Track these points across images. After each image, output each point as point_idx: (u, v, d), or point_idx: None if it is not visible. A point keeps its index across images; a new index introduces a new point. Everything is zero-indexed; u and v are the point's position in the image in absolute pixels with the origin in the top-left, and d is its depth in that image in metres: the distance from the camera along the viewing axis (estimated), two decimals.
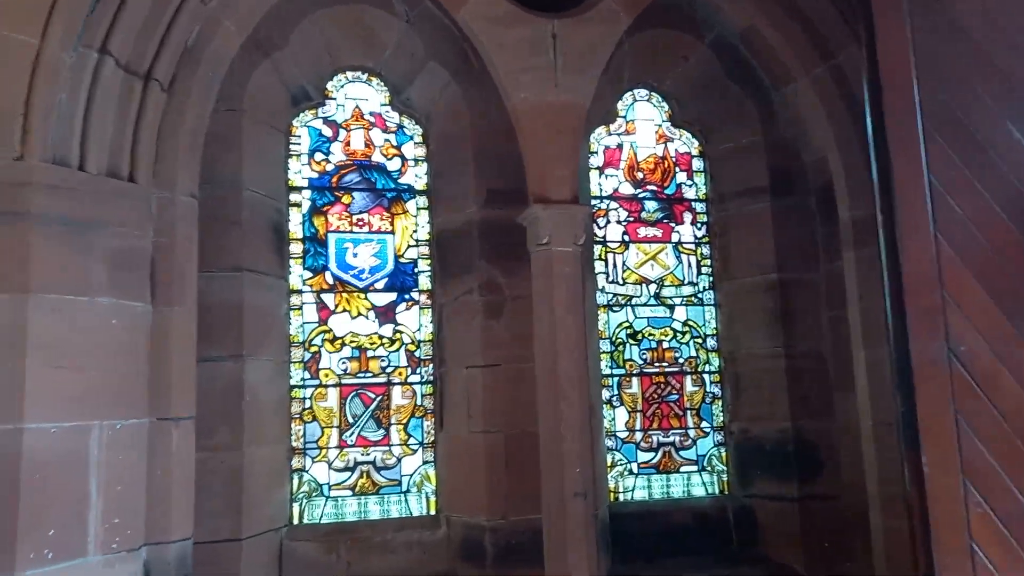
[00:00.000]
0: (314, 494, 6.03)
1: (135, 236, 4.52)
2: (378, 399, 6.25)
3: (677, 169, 7.16)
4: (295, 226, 6.29)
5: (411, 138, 6.65)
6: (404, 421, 6.28)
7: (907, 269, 3.60)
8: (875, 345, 5.79)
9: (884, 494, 5.73)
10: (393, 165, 6.59)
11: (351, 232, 6.41)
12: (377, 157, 6.56)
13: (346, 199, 6.44)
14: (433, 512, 6.17)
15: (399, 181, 6.58)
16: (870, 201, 6.06)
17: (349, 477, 6.11)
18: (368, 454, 6.18)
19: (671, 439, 6.76)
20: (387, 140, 6.60)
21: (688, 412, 6.83)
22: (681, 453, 6.77)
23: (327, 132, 6.48)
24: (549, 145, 5.38)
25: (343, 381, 6.20)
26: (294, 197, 6.32)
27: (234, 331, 5.57)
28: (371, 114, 6.59)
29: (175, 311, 4.69)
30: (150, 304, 4.56)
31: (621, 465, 6.64)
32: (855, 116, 6.00)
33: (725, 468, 6.81)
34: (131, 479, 4.26)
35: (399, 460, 6.23)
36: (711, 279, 7.03)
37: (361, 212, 6.46)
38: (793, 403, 6.54)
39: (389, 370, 6.30)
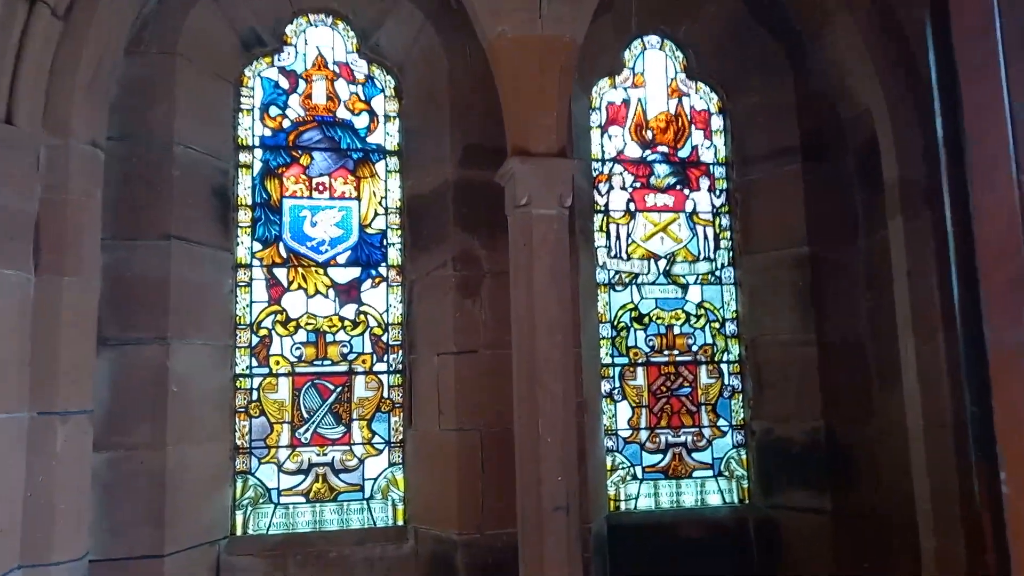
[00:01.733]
0: (261, 500, 5.19)
1: (13, 190, 3.68)
2: (338, 391, 5.39)
3: (692, 128, 6.20)
4: (244, 190, 5.43)
5: (382, 91, 5.76)
6: (368, 416, 5.41)
7: (981, 231, 2.66)
8: (926, 332, 4.86)
9: (938, 511, 4.79)
10: (361, 122, 5.70)
11: (310, 198, 5.54)
12: (342, 112, 5.68)
13: (305, 160, 5.57)
14: (400, 523, 5.31)
15: (367, 140, 5.70)
16: (921, 160, 5.14)
17: (302, 481, 5.26)
18: (325, 454, 5.32)
19: (682, 439, 5.83)
20: (354, 93, 5.72)
21: (702, 408, 5.89)
22: (694, 455, 5.84)
23: (284, 83, 5.62)
24: (531, 87, 4.46)
25: (297, 370, 5.35)
26: (244, 157, 5.46)
27: (158, 310, 4.74)
28: (336, 63, 5.72)
29: (67, 283, 3.88)
30: (31, 273, 3.73)
31: (623, 469, 5.72)
32: (905, 61, 5.02)
33: (745, 474, 5.86)
34: None
35: (362, 462, 5.37)
36: (731, 254, 6.07)
37: (322, 175, 5.59)
38: (825, 399, 5.59)
39: (351, 357, 5.44)
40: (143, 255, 4.76)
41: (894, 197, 5.04)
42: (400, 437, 5.42)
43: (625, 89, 6.15)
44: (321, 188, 5.57)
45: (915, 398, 4.93)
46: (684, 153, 6.16)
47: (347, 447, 5.35)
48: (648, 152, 6.11)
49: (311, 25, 5.70)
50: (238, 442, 5.20)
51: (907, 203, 4.94)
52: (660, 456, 5.79)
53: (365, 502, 5.31)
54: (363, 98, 5.72)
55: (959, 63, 2.82)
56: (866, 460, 5.48)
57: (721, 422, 5.92)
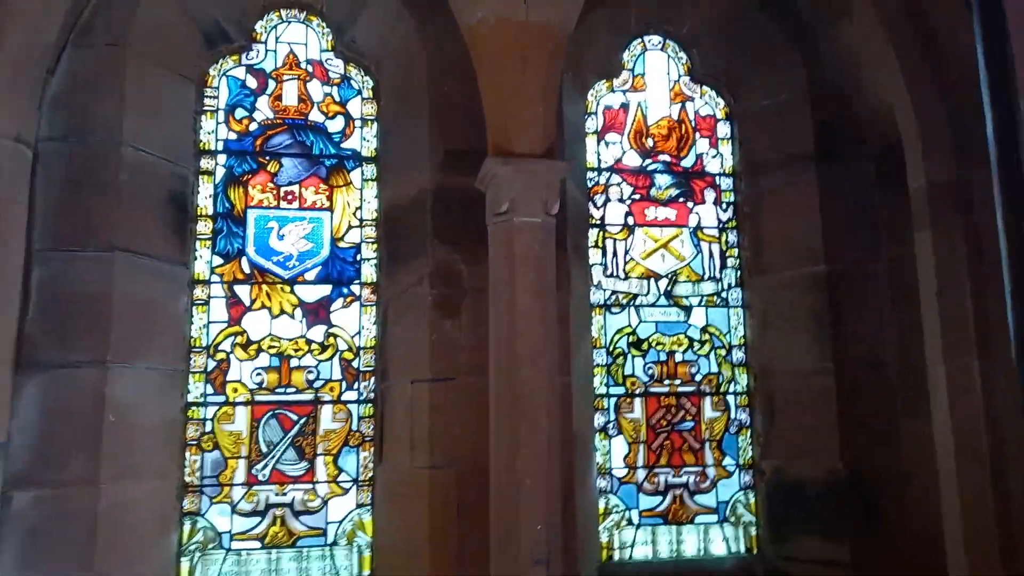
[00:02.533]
0: (211, 546, 4.63)
1: None
2: (302, 422, 4.85)
3: (697, 135, 5.71)
4: (204, 199, 4.95)
5: (359, 92, 5.29)
6: (334, 451, 4.87)
7: None
8: (960, 354, 4.37)
9: (974, 563, 4.16)
10: (335, 126, 5.23)
11: (277, 208, 5.05)
12: (315, 115, 5.21)
13: (273, 167, 5.09)
14: (366, 573, 4.73)
15: (342, 146, 5.22)
16: (953, 161, 4.64)
17: (258, 524, 4.71)
18: (285, 494, 4.77)
19: (684, 480, 5.26)
20: (328, 95, 5.25)
21: (707, 445, 5.34)
22: (697, 498, 5.27)
23: (252, 83, 5.16)
24: (514, 79, 4.00)
25: (257, 398, 4.82)
26: (205, 163, 4.98)
27: (98, 330, 4.23)
28: (309, 62, 5.26)
29: None
30: None
31: (617, 513, 5.15)
32: (931, 51, 4.53)
33: (754, 519, 5.29)
34: None
35: (325, 503, 4.81)
36: (739, 273, 5.55)
37: (291, 183, 5.10)
38: (845, 434, 5.06)
39: (318, 385, 4.91)
40: (83, 268, 4.28)
41: (921, 204, 4.54)
42: (370, 475, 4.86)
43: (624, 93, 5.67)
44: (290, 198, 5.08)
45: (947, 433, 4.39)
46: (688, 162, 5.66)
47: (310, 486, 4.80)
48: (649, 161, 5.61)
49: (283, 21, 5.25)
50: (187, 479, 4.65)
51: (936, 210, 4.44)
52: (659, 499, 5.21)
53: (328, 548, 4.75)
54: (338, 100, 5.25)
55: (1011, 22, 2.33)
56: (891, 504, 4.92)
57: (727, 461, 5.33)
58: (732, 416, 5.39)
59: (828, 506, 4.99)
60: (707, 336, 5.46)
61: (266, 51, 5.19)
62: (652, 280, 5.46)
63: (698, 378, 5.40)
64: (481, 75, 4.08)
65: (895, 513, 4.88)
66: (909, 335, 4.82)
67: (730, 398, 5.41)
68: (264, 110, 5.14)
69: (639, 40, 5.71)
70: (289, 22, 5.26)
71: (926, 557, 4.52)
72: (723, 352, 5.46)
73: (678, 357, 5.39)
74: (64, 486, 4.07)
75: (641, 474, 5.23)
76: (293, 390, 4.87)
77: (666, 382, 5.35)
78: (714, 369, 5.43)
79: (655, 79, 5.74)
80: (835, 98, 5.36)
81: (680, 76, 5.77)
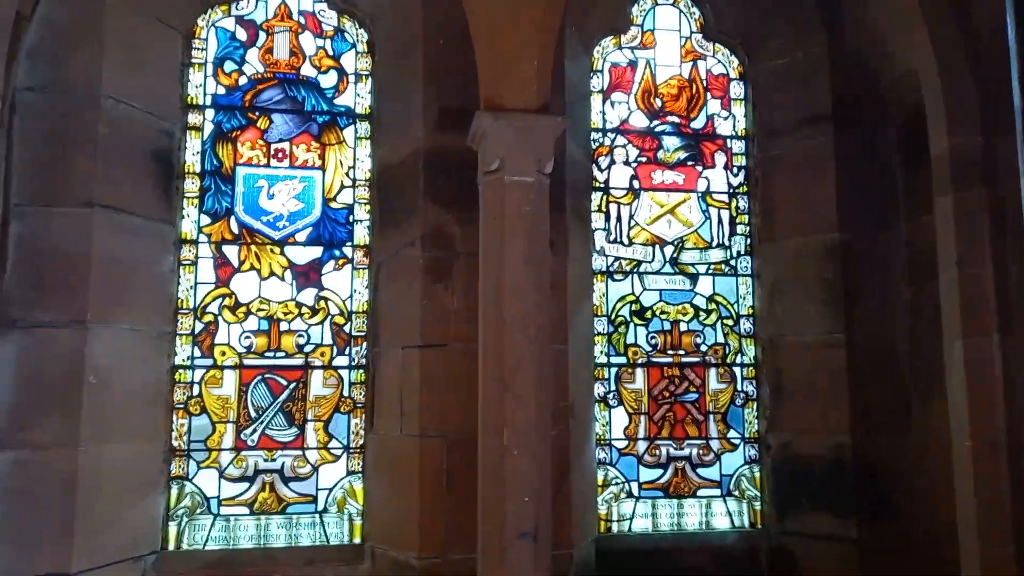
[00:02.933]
0: (198, 511, 4.53)
1: None
2: (292, 387, 4.71)
3: (708, 96, 5.45)
4: (191, 156, 4.78)
5: (353, 46, 5.07)
6: (325, 417, 4.74)
7: None
8: (978, 331, 4.09)
9: (987, 548, 3.99)
10: (328, 81, 5.02)
11: (267, 166, 4.87)
12: (307, 70, 5.01)
13: (263, 123, 4.90)
14: (357, 540, 4.62)
15: (335, 102, 5.01)
16: (978, 129, 4.36)
17: (247, 489, 4.60)
18: (274, 459, 4.66)
19: (686, 452, 5.09)
20: (321, 48, 5.04)
21: (711, 417, 5.15)
22: (699, 471, 5.09)
23: (241, 35, 4.96)
24: (508, 27, 3.75)
25: (245, 362, 4.68)
26: (193, 118, 4.80)
27: (77, 288, 4.09)
28: (301, 13, 5.05)
29: None
30: None
31: (616, 485, 4.99)
32: (959, 11, 4.23)
33: (758, 494, 5.10)
34: None
35: (315, 469, 4.69)
36: (748, 241, 5.31)
37: (282, 140, 4.92)
38: (855, 410, 4.85)
39: (308, 349, 4.77)
40: (61, 224, 4.14)
41: (943, 171, 4.27)
42: (361, 442, 4.73)
43: (632, 50, 5.40)
44: (280, 155, 4.90)
45: (962, 411, 4.15)
46: (698, 124, 5.41)
47: (300, 452, 4.68)
48: (656, 122, 5.36)
49: None
50: (174, 443, 4.55)
51: (958, 177, 4.18)
52: (660, 471, 5.05)
53: (318, 515, 4.64)
54: (331, 54, 5.04)
55: None
56: (900, 483, 4.72)
57: (732, 434, 5.15)
58: (738, 388, 5.19)
59: (835, 483, 4.80)
60: (714, 305, 5.25)
61: (257, 1, 4.97)
62: (657, 247, 5.24)
63: (703, 348, 5.20)
64: (473, 25, 3.84)
65: (905, 492, 4.68)
66: (924, 309, 4.57)
67: (736, 370, 5.21)
68: (254, 63, 4.94)
69: None
70: None
71: (937, 538, 4.32)
72: (730, 322, 5.25)
73: (683, 327, 5.19)
74: (42, 448, 3.97)
75: (642, 446, 5.06)
76: (283, 354, 4.73)
77: (670, 352, 5.16)
78: (720, 340, 5.23)
79: (665, 36, 5.47)
80: (856, 61, 5.07)
81: (692, 33, 5.49)
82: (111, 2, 4.34)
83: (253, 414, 4.65)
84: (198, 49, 4.86)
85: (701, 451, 5.09)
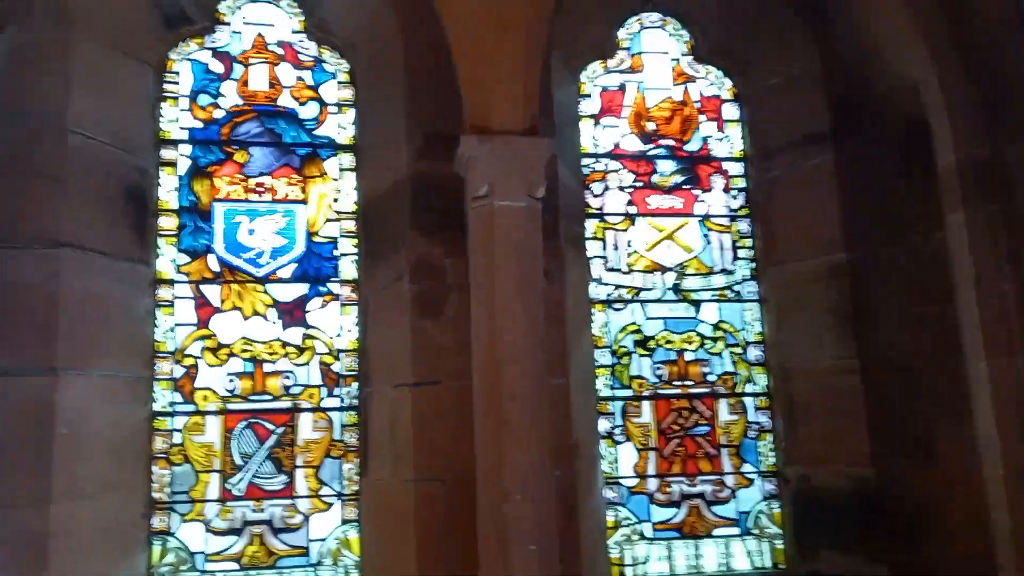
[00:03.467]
0: (183, 567, 4.26)
1: None
2: (279, 432, 4.47)
3: (702, 117, 5.27)
4: (167, 192, 4.58)
5: (333, 76, 4.92)
6: (316, 463, 4.48)
7: None
8: (1002, 351, 3.84)
9: None
10: (308, 112, 4.86)
11: (247, 201, 4.68)
12: (286, 100, 4.85)
13: (241, 157, 4.72)
14: None
15: (315, 133, 4.84)
16: (986, 135, 4.10)
17: (235, 543, 4.33)
18: (263, 510, 4.39)
19: (700, 489, 4.82)
20: (300, 78, 4.88)
21: (724, 451, 4.89)
22: (715, 509, 4.83)
23: (217, 67, 4.80)
24: (490, 49, 3.58)
25: (229, 406, 4.44)
26: (167, 153, 4.62)
27: (45, 334, 3.85)
28: (278, 43, 4.90)
29: None
30: None
31: (628, 526, 4.71)
32: (957, 15, 4.09)
33: (779, 532, 4.82)
34: None
35: (307, 519, 4.42)
36: (752, 265, 5.12)
37: (262, 174, 4.73)
38: (875, 438, 4.65)
39: (296, 391, 4.52)
40: (26, 266, 3.93)
41: (952, 185, 4.09)
42: (355, 488, 4.45)
43: (621, 74, 5.26)
44: (261, 189, 4.71)
45: (991, 437, 3.92)
46: (693, 147, 5.24)
47: (290, 501, 4.42)
48: (650, 146, 5.20)
49: (249, 1, 4.89)
50: (155, 495, 4.28)
51: (969, 189, 4.02)
52: (674, 510, 4.78)
53: (311, 569, 4.35)
54: (311, 84, 4.88)
55: None
56: (929, 515, 4.43)
57: (747, 468, 4.89)
58: (750, 419, 4.94)
59: (859, 517, 4.54)
60: (720, 333, 5.02)
61: (231, 33, 4.84)
62: (658, 273, 5.03)
63: (712, 378, 4.96)
64: (456, 47, 3.69)
65: (934, 524, 4.39)
66: (941, 328, 4.34)
67: (748, 400, 4.97)
68: (231, 96, 4.78)
69: (636, 17, 5.31)
70: (255, 1, 4.90)
71: (975, 570, 4.03)
72: (738, 350, 5.02)
73: (689, 356, 4.96)
74: (9, 507, 3.69)
75: (653, 483, 4.79)
76: (269, 397, 4.49)
77: (676, 383, 4.92)
78: (729, 368, 4.99)
79: (654, 59, 5.34)
80: (851, 74, 4.93)
81: (682, 55, 5.35)
82: (78, 34, 4.19)
83: (239, 462, 4.40)
84: (171, 82, 4.70)
85: (716, 487, 4.82)
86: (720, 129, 5.28)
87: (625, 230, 5.05)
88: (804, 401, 4.82)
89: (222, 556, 4.30)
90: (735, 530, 4.81)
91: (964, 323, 4.06)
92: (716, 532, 4.79)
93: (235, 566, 4.29)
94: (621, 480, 4.76)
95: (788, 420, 4.86)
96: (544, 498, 3.27)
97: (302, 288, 4.63)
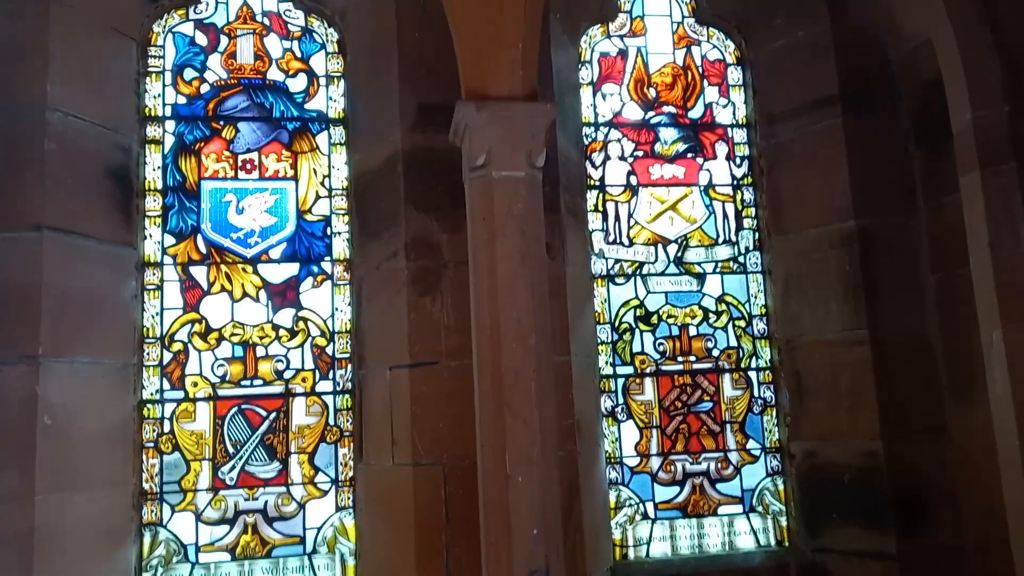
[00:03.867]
0: (175, 559, 4.14)
1: None
2: (272, 417, 4.33)
3: (705, 83, 5.11)
4: (152, 172, 4.41)
5: (323, 47, 4.73)
6: (310, 449, 4.35)
7: None
8: (1018, 318, 3.75)
9: None
10: (297, 85, 4.67)
11: (235, 179, 4.51)
12: (274, 74, 4.66)
13: (228, 133, 4.54)
14: None
15: (305, 107, 4.66)
16: (1002, 95, 3.95)
17: (228, 533, 4.21)
18: (256, 498, 4.26)
19: (703, 467, 4.71)
20: (288, 50, 4.69)
21: (728, 427, 4.78)
22: (719, 487, 4.71)
23: (202, 40, 4.61)
24: (488, 13, 3.38)
25: (220, 392, 4.30)
26: (152, 131, 4.44)
27: (25, 322, 3.70)
28: (265, 14, 4.71)
29: None
30: None
31: (631, 506, 4.60)
32: None
33: (784, 508, 4.73)
34: None
35: (302, 506, 4.29)
36: (757, 235, 4.97)
37: (250, 151, 4.56)
38: (884, 413, 4.47)
39: (288, 375, 4.38)
40: (5, 251, 3.76)
41: (967, 147, 3.93)
42: (350, 474, 4.33)
43: (622, 38, 5.07)
44: (249, 167, 4.54)
45: (1006, 407, 3.78)
46: (696, 114, 5.06)
47: (284, 488, 4.29)
48: (652, 114, 5.02)
49: None
50: (145, 485, 4.15)
51: (985, 152, 3.85)
52: (677, 489, 4.66)
53: (307, 558, 4.24)
54: (300, 56, 4.69)
55: None
56: (941, 490, 4.35)
57: (752, 444, 4.77)
58: (755, 394, 4.82)
59: (869, 493, 4.41)
60: (724, 306, 4.88)
61: (216, 3, 4.65)
62: (660, 246, 4.88)
63: (715, 353, 4.83)
64: (450, 10, 3.49)
65: (947, 501, 4.31)
66: (955, 297, 4.21)
67: (752, 374, 4.84)
68: (216, 70, 4.59)
69: None
70: None
71: (983, 549, 3.94)
72: (743, 324, 4.89)
73: (692, 331, 4.83)
74: None
75: (656, 462, 4.67)
76: (260, 382, 4.34)
77: (679, 359, 4.78)
78: (733, 343, 4.86)
79: (656, 22, 5.15)
80: (862, 37, 4.76)
81: (684, 17, 5.17)
82: (57, 10, 3.98)
83: (231, 449, 4.26)
84: (155, 57, 4.51)
85: (719, 465, 4.70)
86: (724, 94, 5.11)
87: (626, 202, 4.89)
88: (811, 375, 4.68)
89: (215, 547, 4.18)
90: (739, 508, 4.71)
91: (978, 289, 3.92)
92: (720, 510, 4.68)
93: (228, 556, 4.17)
94: (624, 460, 4.64)
95: (794, 395, 4.74)
96: (548, 481, 3.14)
97: (293, 268, 4.48)
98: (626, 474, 4.62)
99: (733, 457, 4.73)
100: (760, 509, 4.71)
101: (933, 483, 4.35)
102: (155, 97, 4.47)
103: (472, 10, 3.43)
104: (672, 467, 4.67)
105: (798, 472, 4.68)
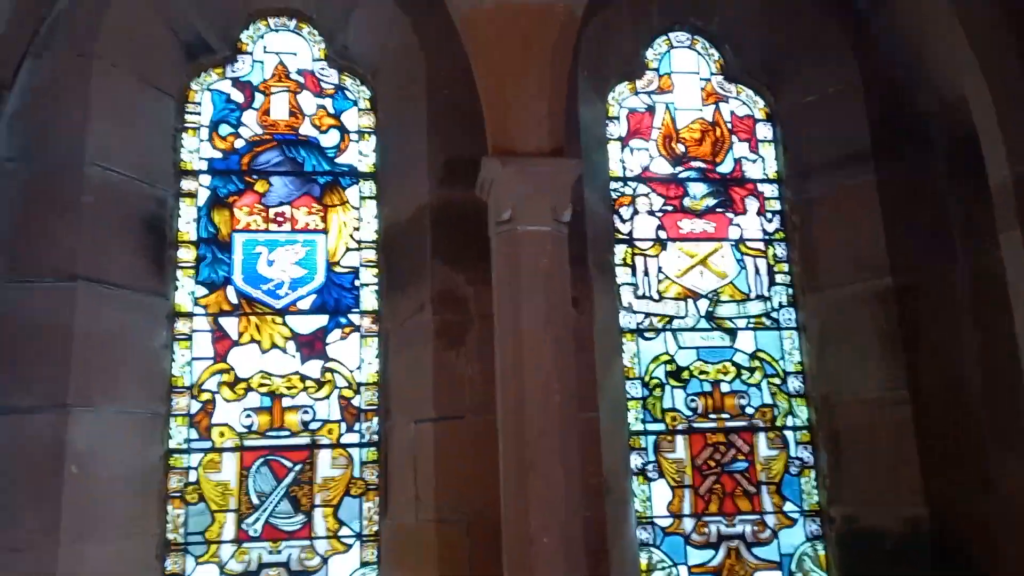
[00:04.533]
0: None
1: None
2: (297, 469, 4.29)
3: (735, 138, 5.09)
4: (186, 224, 4.49)
5: (355, 103, 4.82)
6: (335, 502, 4.30)
7: None
8: None
9: None
10: (329, 140, 4.75)
11: (266, 231, 4.57)
12: (307, 129, 4.75)
13: (261, 186, 4.62)
14: None
15: (336, 161, 4.73)
16: None
17: None
18: (280, 551, 4.20)
19: (739, 529, 4.54)
20: (321, 107, 4.79)
21: (764, 489, 4.61)
22: (756, 551, 4.53)
23: (238, 97, 4.73)
24: (514, 69, 3.44)
25: (246, 443, 4.29)
26: (187, 184, 4.53)
27: (56, 368, 3.74)
28: (299, 72, 4.81)
29: None
30: None
31: (662, 569, 4.45)
32: (1008, 22, 3.87)
33: (825, 575, 4.49)
34: None
35: (325, 561, 4.23)
36: (790, 291, 4.87)
37: (282, 204, 4.62)
38: (928, 474, 4.32)
39: (315, 427, 4.36)
40: (41, 300, 3.85)
41: (1006, 203, 3.84)
42: (375, 529, 4.26)
43: (649, 95, 5.09)
44: (280, 220, 4.60)
45: None
46: (725, 168, 5.04)
47: (307, 542, 4.22)
48: (680, 169, 5.00)
49: (271, 30, 4.82)
50: (169, 536, 4.12)
51: None
52: (711, 552, 4.49)
53: None
54: (332, 112, 4.78)
55: None
56: (988, 554, 4.11)
57: (789, 507, 4.59)
58: (792, 454, 4.66)
59: (913, 559, 4.20)
60: (757, 363, 4.77)
61: (253, 62, 4.76)
62: (691, 301, 4.80)
63: (749, 411, 4.70)
64: (478, 67, 3.55)
65: (994, 567, 4.08)
66: (997, 353, 4.07)
67: (788, 434, 4.69)
68: (251, 126, 4.69)
69: (664, 37, 5.14)
70: (277, 30, 4.84)
71: None
72: (777, 381, 4.76)
73: (724, 387, 4.71)
74: (15, 550, 3.56)
75: (689, 523, 4.52)
76: (287, 433, 4.32)
77: (712, 416, 4.66)
78: (768, 400, 4.73)
79: (684, 79, 5.16)
80: (892, 88, 4.73)
81: (712, 75, 5.18)
82: (99, 66, 4.14)
83: (255, 501, 4.23)
84: (192, 113, 4.63)
85: (756, 528, 4.53)
86: (753, 150, 5.08)
87: (656, 256, 4.84)
88: (850, 435, 4.52)
89: None
90: (777, 574, 4.51)
91: (1022, 345, 3.79)
92: (757, 575, 4.51)
93: None
94: (655, 520, 4.50)
95: (832, 455, 4.57)
96: (573, 540, 3.05)
97: (322, 320, 4.49)
98: (658, 535, 4.47)
99: (770, 520, 4.56)
100: (799, 575, 4.52)
101: (980, 545, 4.12)
102: (191, 152, 4.58)
103: (498, 67, 3.48)
104: (706, 529, 4.51)
105: (838, 537, 4.48)
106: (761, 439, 4.67)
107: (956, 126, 4.29)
